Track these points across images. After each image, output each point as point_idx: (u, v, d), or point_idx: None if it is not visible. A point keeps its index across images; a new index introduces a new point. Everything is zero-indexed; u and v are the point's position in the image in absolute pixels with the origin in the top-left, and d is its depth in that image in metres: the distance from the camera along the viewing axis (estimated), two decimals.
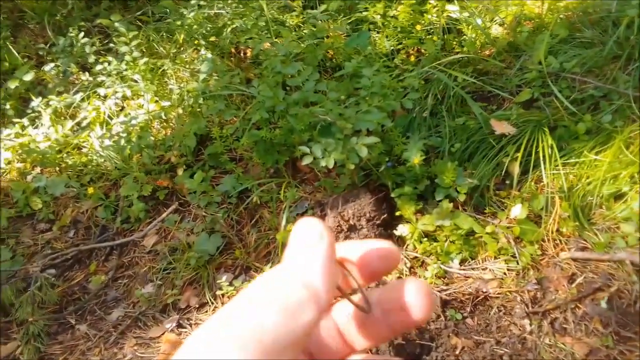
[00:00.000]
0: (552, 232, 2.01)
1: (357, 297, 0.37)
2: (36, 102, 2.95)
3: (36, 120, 3.00)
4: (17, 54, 3.36)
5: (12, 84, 3.17)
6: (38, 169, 2.86)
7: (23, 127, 2.95)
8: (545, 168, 2.11)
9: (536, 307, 1.85)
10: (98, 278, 2.34)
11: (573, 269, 1.92)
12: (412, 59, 2.68)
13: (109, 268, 2.41)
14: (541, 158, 2.13)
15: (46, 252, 2.49)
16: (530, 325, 1.81)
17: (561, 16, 2.65)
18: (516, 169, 2.15)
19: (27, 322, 2.18)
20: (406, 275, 2.01)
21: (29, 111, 3.01)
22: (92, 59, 3.12)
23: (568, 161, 2.13)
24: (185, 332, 2.08)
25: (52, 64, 3.22)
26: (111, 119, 2.86)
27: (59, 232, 2.59)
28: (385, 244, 0.37)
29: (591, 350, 1.70)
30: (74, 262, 2.47)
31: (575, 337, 1.75)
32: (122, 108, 2.97)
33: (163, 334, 2.08)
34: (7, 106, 3.14)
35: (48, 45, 3.39)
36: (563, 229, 2.01)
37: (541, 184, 2.12)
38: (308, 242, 0.33)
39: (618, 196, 2.03)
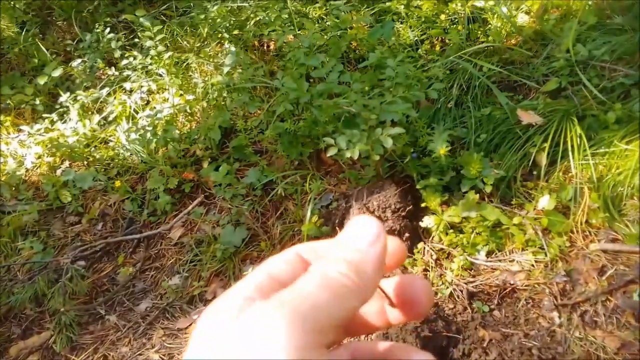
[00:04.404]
0: (581, 224, 1.97)
1: None
2: (64, 97, 3.01)
3: (65, 115, 3.06)
4: (45, 51, 3.43)
5: (42, 80, 3.24)
6: (67, 163, 2.92)
7: (52, 122, 3.02)
8: (573, 158, 2.07)
9: (565, 300, 1.82)
10: (126, 270, 2.38)
11: (603, 261, 1.88)
12: (437, 49, 2.65)
13: (137, 260, 2.45)
14: (569, 148, 2.09)
15: (76, 244, 2.54)
16: (560, 318, 1.78)
17: (590, 2, 2.58)
18: (544, 160, 2.11)
19: (59, 312, 2.23)
20: (432, 267, 2.00)
21: (57, 106, 3.07)
22: (117, 54, 3.17)
23: (597, 151, 2.08)
24: None
25: (80, 60, 3.28)
26: (137, 113, 2.90)
27: (87, 225, 2.65)
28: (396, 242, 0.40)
29: (623, 344, 1.67)
30: (102, 254, 2.52)
31: (607, 331, 1.72)
32: (148, 102, 3.01)
33: (190, 325, 2.11)
34: (37, 102, 3.21)
35: (75, 41, 3.44)
36: (592, 220, 1.97)
37: (569, 175, 2.08)
38: (367, 238, 0.35)
39: None
